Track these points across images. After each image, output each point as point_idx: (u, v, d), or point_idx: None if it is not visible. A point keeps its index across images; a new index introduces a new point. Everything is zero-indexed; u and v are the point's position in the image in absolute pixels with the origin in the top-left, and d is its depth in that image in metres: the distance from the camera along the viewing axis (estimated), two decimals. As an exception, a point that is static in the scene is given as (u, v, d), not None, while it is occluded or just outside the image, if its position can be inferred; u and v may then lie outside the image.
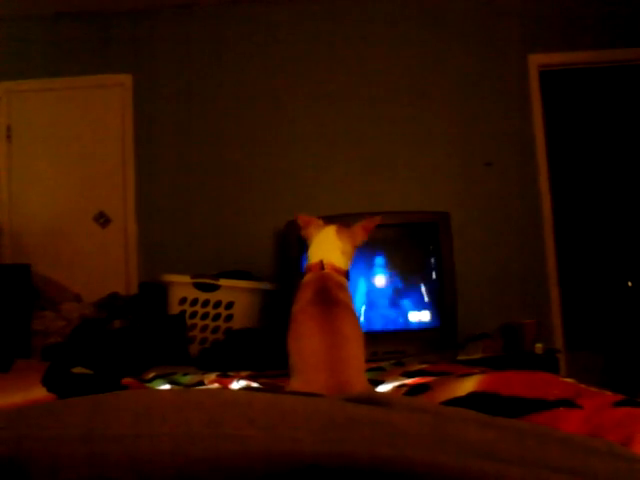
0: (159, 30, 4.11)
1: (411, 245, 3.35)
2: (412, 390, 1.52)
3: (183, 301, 3.30)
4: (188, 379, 2.00)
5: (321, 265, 1.69)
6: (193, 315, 3.29)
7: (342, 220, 1.91)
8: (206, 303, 3.31)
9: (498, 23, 4.03)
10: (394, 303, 3.25)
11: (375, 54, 4.06)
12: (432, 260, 3.28)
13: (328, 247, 1.74)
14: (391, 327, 3.22)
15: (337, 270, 1.69)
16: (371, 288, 3.23)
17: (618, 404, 1.09)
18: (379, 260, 3.25)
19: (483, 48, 4.02)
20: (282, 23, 4.10)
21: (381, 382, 1.72)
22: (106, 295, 3.64)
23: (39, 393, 1.61)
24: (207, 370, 2.38)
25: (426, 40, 4.04)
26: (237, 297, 3.33)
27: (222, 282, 3.33)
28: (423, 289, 3.29)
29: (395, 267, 3.27)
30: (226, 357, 2.91)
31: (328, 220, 1.89)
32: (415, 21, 4.07)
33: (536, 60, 4.00)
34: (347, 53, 4.06)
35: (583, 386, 1.26)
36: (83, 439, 0.57)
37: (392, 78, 4.03)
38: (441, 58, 4.02)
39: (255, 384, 1.83)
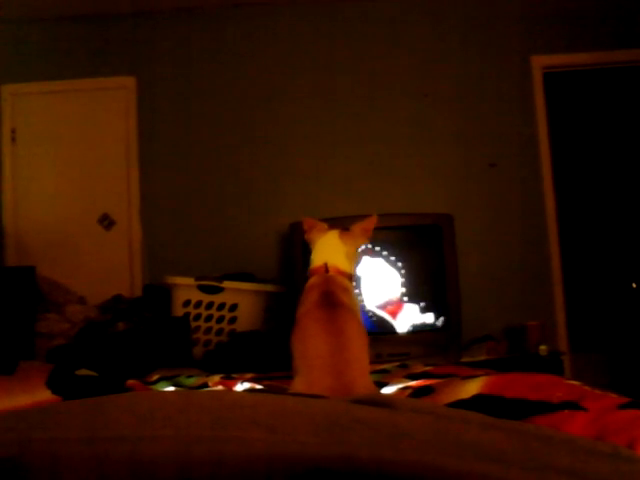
0: (160, 33, 4.12)
1: (414, 247, 3.35)
2: (416, 392, 1.52)
3: (187, 303, 3.30)
4: (192, 381, 2.00)
5: (325, 268, 1.69)
6: (197, 317, 3.29)
7: (345, 222, 1.92)
8: (210, 305, 3.31)
9: (501, 24, 4.03)
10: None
11: (375, 54, 4.06)
12: (435, 262, 3.27)
13: (332, 250, 1.74)
14: (396, 329, 3.22)
15: (341, 273, 1.70)
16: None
17: (623, 407, 1.08)
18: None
19: (486, 49, 4.02)
20: (282, 24, 4.10)
21: (385, 384, 1.72)
22: (110, 297, 3.65)
23: (44, 395, 1.62)
24: (211, 372, 2.38)
25: (429, 41, 4.04)
26: (241, 299, 3.33)
27: (226, 284, 3.33)
28: (427, 291, 3.29)
29: (398, 269, 3.26)
30: (230, 359, 2.91)
31: (330, 223, 1.89)
32: (418, 22, 4.06)
33: (540, 61, 3.99)
34: (347, 53, 4.06)
35: (588, 388, 1.26)
36: (85, 441, 0.57)
37: (393, 78, 4.03)
38: (443, 59, 4.02)
39: (259, 386, 1.83)
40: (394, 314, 3.23)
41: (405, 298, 3.24)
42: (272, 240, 3.90)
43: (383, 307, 3.23)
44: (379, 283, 3.24)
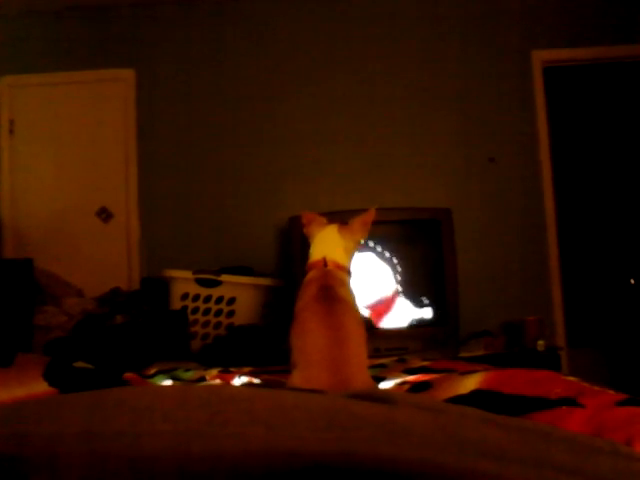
0: (160, 25, 4.11)
1: (413, 242, 3.35)
2: (414, 387, 1.52)
3: (185, 297, 3.30)
4: (190, 375, 2.00)
5: (324, 262, 1.69)
6: (195, 311, 3.29)
7: (343, 216, 1.91)
8: (208, 299, 3.31)
9: (501, 19, 4.02)
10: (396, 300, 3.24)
11: (376, 52, 4.04)
12: (434, 257, 3.27)
13: (330, 245, 1.74)
14: (393, 324, 3.22)
15: (340, 267, 1.69)
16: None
17: (620, 403, 1.08)
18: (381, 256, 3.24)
19: (486, 44, 4.01)
20: (283, 21, 4.09)
21: (383, 379, 1.72)
22: (108, 290, 3.64)
23: (41, 387, 1.61)
24: (209, 366, 2.37)
25: (428, 36, 4.03)
26: (239, 293, 3.33)
27: (224, 278, 3.33)
28: (425, 286, 3.29)
29: (397, 264, 3.26)
30: (228, 353, 2.91)
31: (329, 217, 1.89)
32: (416, 18, 4.05)
33: (540, 56, 3.99)
34: (347, 52, 4.05)
35: (586, 385, 1.26)
36: (82, 436, 0.57)
37: (393, 76, 4.02)
38: (443, 55, 4.01)
39: (257, 380, 1.83)
40: (380, 315, 3.20)
41: (400, 294, 3.24)
42: (271, 234, 3.90)
43: (371, 307, 3.21)
44: (368, 281, 3.22)
